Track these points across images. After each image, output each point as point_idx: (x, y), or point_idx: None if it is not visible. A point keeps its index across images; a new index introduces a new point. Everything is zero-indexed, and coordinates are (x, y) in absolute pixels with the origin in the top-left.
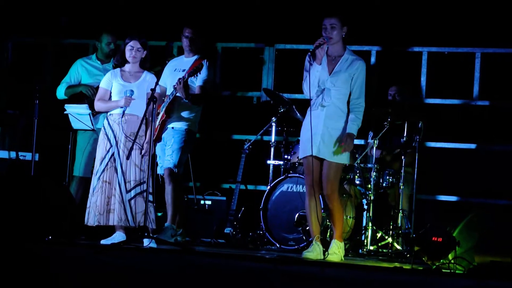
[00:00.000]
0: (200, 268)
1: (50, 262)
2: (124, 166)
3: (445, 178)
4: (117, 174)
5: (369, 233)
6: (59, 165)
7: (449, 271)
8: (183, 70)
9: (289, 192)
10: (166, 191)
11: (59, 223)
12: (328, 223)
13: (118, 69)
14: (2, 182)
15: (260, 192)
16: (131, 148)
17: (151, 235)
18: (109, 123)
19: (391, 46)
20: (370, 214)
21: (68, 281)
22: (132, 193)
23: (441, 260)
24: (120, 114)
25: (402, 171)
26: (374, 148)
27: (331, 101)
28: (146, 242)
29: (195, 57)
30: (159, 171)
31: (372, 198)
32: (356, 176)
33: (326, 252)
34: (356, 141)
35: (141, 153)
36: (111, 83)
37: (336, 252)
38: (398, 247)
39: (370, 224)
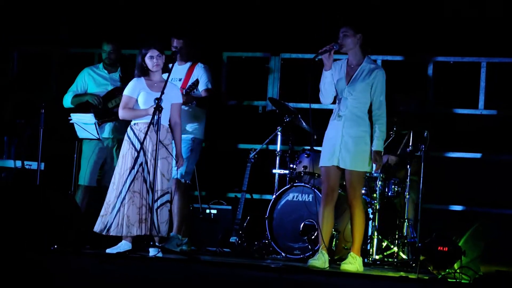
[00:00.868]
0: (205, 277)
1: (55, 271)
2: (152, 176)
3: (450, 187)
4: (146, 184)
5: (375, 242)
6: (65, 174)
7: (454, 280)
8: (180, 80)
9: (295, 201)
10: (173, 200)
11: (65, 232)
12: (334, 232)
13: (142, 78)
14: (8, 191)
15: (266, 201)
16: (156, 157)
17: (157, 244)
18: (134, 133)
19: (396, 55)
20: (376, 223)
21: None
22: (159, 202)
23: (447, 270)
24: (147, 123)
25: (408, 180)
26: None
27: (347, 110)
28: (152, 251)
29: (188, 63)
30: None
31: (377, 207)
32: None
33: (342, 263)
34: None
35: (169, 161)
36: (137, 91)
37: (352, 262)
38: (404, 256)
39: (375, 233)
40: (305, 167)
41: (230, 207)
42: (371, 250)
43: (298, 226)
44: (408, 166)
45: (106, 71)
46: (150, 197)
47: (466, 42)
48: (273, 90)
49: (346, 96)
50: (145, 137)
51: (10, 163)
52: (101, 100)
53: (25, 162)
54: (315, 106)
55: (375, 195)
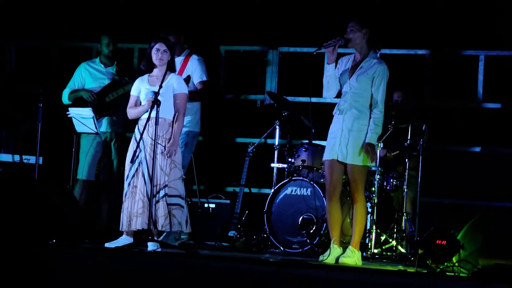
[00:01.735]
0: (204, 272)
1: (53, 265)
2: (151, 170)
3: (449, 181)
4: (144, 178)
5: (373, 236)
6: (63, 168)
7: (453, 274)
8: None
9: (293, 195)
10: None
11: (63, 226)
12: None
13: (146, 75)
14: (6, 185)
15: (264, 195)
16: (155, 151)
17: (155, 238)
18: (138, 128)
19: (395, 49)
20: (374, 217)
21: (71, 284)
22: (157, 196)
23: (445, 263)
24: (147, 119)
25: (406, 174)
26: (378, 151)
27: (348, 104)
28: (150, 245)
29: (182, 56)
30: None
31: (376, 201)
32: None
33: (340, 256)
34: None
35: (163, 153)
36: (139, 89)
37: (351, 256)
38: (402, 250)
39: (374, 227)
40: (303, 161)
41: (228, 201)
42: (369, 244)
43: (296, 220)
44: (406, 160)
45: (102, 65)
46: (149, 191)
47: (464, 35)
48: (271, 84)
49: (346, 90)
50: (143, 132)
51: (8, 157)
52: (95, 96)
53: (24, 157)
54: (314, 100)
55: (373, 189)
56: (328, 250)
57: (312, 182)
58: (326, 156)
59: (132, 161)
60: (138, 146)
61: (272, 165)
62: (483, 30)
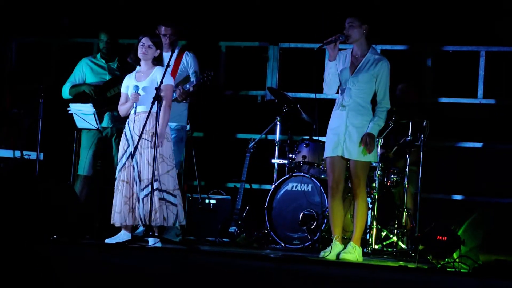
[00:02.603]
0: (204, 267)
1: (54, 261)
2: (139, 165)
3: (450, 176)
4: (133, 172)
5: (374, 231)
6: (64, 164)
7: (454, 270)
8: (168, 67)
9: (294, 191)
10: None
11: (64, 222)
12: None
13: (134, 72)
14: (7, 181)
15: (265, 191)
16: (137, 146)
17: (156, 234)
18: (128, 124)
19: (395, 44)
20: (375, 213)
21: (71, 280)
22: (145, 191)
23: (446, 259)
24: (134, 114)
25: (407, 170)
26: (379, 147)
27: (351, 100)
28: (150, 241)
29: (176, 51)
30: None
31: (376, 197)
32: None
33: (341, 252)
34: None
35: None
36: (126, 86)
37: (351, 252)
38: (403, 246)
39: (375, 223)
40: (304, 156)
41: (229, 197)
42: (370, 240)
43: (297, 216)
44: (407, 155)
45: (103, 61)
46: (137, 186)
47: (464, 31)
48: (272, 80)
49: (350, 86)
50: (129, 127)
51: (9, 153)
52: (97, 90)
53: (24, 152)
54: (318, 96)
55: (374, 184)
56: (330, 247)
57: (313, 178)
58: (329, 153)
59: (121, 156)
60: (127, 141)
61: (273, 161)
62: (484, 26)
